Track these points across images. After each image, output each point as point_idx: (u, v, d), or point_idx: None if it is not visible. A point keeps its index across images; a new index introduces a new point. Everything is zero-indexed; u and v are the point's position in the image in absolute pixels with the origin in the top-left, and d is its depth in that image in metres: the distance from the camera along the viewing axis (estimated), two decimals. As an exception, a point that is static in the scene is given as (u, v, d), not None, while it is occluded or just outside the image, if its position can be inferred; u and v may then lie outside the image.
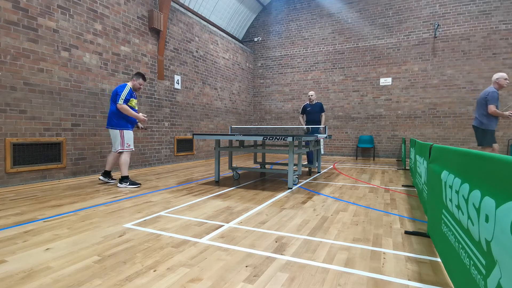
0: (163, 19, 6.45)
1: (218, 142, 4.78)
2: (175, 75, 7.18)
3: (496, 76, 4.60)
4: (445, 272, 1.75)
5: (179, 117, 7.36)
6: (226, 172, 5.95)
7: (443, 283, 1.62)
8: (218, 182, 4.77)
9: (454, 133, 8.40)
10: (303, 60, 10.31)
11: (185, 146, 7.61)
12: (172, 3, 7.05)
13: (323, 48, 10.00)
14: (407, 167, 6.93)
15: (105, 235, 2.30)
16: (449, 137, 8.46)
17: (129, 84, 4.31)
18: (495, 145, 4.58)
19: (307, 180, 5.10)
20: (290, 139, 3.91)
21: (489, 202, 0.95)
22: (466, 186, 1.21)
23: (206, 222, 2.68)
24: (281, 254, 1.98)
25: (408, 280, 1.65)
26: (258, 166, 6.93)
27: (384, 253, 2.02)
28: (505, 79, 4.54)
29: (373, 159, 9.08)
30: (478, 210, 1.04)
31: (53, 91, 4.55)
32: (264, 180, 5.11)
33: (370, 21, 9.34)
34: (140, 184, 4.37)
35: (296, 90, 10.46)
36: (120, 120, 4.25)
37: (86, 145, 5.04)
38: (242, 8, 10.15)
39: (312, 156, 6.30)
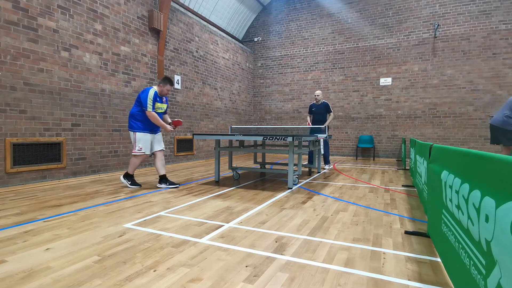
0: (163, 19, 6.45)
1: (218, 142, 4.78)
2: (175, 75, 7.18)
3: None
4: (445, 272, 1.75)
5: (179, 117, 7.36)
6: (226, 172, 5.95)
7: (443, 283, 1.62)
8: (218, 182, 4.77)
9: (454, 133, 8.40)
10: (303, 60, 10.31)
11: (185, 146, 7.61)
12: (172, 3, 7.05)
13: (323, 48, 10.00)
14: (407, 167, 6.93)
15: (105, 235, 2.30)
16: (449, 137, 8.46)
17: (155, 88, 4.14)
18: None
19: (307, 180, 5.10)
20: (290, 139, 3.91)
21: (489, 202, 0.95)
22: (466, 186, 1.21)
23: (206, 222, 2.68)
24: (281, 254, 1.98)
25: (408, 280, 1.65)
26: (258, 166, 6.92)
27: (384, 253, 2.02)
28: None
29: (373, 159, 9.08)
30: (478, 210, 1.04)
31: (53, 91, 4.55)
32: (264, 180, 5.11)
33: (370, 21, 9.34)
34: (140, 185, 4.33)
35: (296, 90, 10.46)
36: (135, 122, 4.12)
37: (86, 145, 5.04)
38: (242, 8, 10.15)
39: (328, 152, 6.51)
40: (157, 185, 4.35)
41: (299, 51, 10.37)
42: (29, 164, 4.24)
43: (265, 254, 1.98)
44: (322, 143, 6.27)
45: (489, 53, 8.00)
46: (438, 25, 8.37)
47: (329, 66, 9.92)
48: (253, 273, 1.71)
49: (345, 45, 9.68)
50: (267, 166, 6.80)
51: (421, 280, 1.65)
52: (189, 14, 7.73)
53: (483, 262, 1.00)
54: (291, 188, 4.30)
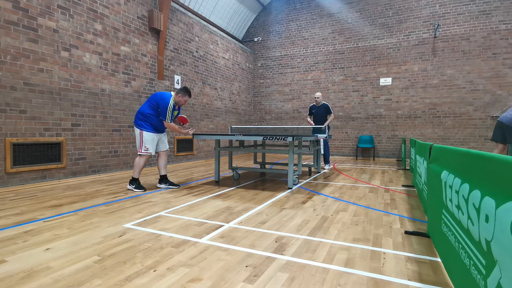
0: (163, 19, 6.45)
1: (218, 142, 4.78)
2: (175, 75, 7.18)
3: None
4: (445, 272, 1.75)
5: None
6: (226, 172, 5.95)
7: (443, 283, 1.62)
8: (218, 182, 4.77)
9: (454, 133, 8.40)
10: (303, 60, 10.31)
11: (185, 146, 7.61)
12: (172, 3, 7.05)
13: (323, 48, 10.00)
14: (407, 167, 6.93)
15: (105, 235, 2.30)
16: (449, 137, 8.46)
17: (173, 97, 4.04)
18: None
19: (307, 180, 5.10)
20: (290, 139, 3.91)
21: (489, 202, 0.95)
22: (466, 186, 1.21)
23: (206, 222, 2.68)
24: (281, 254, 1.98)
25: (408, 280, 1.65)
26: (258, 166, 6.92)
27: (384, 253, 2.02)
28: None
29: (373, 159, 9.08)
30: (478, 210, 1.04)
31: (53, 91, 4.55)
32: (264, 180, 5.11)
33: (370, 21, 9.34)
34: (145, 188, 4.14)
35: (296, 90, 10.46)
36: (146, 123, 4.01)
37: (86, 145, 5.04)
38: (242, 8, 10.15)
39: (328, 152, 6.63)
40: (157, 185, 4.35)
41: (299, 51, 10.37)
42: (29, 164, 4.24)
43: (265, 254, 1.98)
44: (322, 143, 6.27)
45: (489, 53, 8.00)
46: (438, 25, 8.37)
47: (329, 66, 9.92)
48: (253, 273, 1.71)
49: (345, 45, 9.68)
50: (267, 166, 6.80)
51: (421, 280, 1.65)
52: (189, 14, 7.73)
53: (483, 262, 1.00)
54: (291, 188, 4.30)
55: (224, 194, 3.92)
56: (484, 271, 0.99)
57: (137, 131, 4.04)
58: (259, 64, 11.09)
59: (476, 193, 1.07)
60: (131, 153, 5.90)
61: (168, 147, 4.38)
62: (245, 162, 8.24)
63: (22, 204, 3.24)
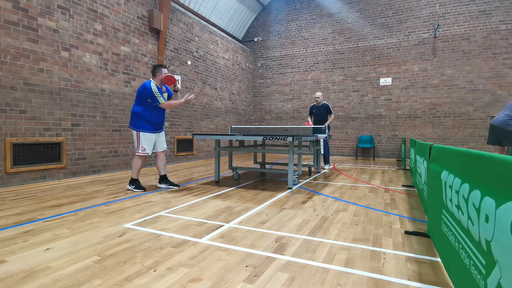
0: (163, 19, 6.45)
1: (218, 142, 4.78)
2: (175, 75, 7.18)
3: None
4: (445, 272, 1.75)
5: (179, 117, 7.36)
6: (226, 172, 5.95)
7: (443, 283, 1.62)
8: (218, 182, 4.77)
9: (454, 133, 8.40)
10: (303, 60, 10.31)
11: (185, 146, 7.61)
12: (172, 3, 7.05)
13: (323, 48, 10.00)
14: (407, 167, 6.93)
15: (105, 235, 2.30)
16: (449, 137, 8.46)
17: (153, 81, 3.96)
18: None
19: (307, 180, 5.10)
20: (290, 139, 3.91)
21: (489, 202, 0.95)
22: (466, 186, 1.21)
23: (206, 222, 2.68)
24: (281, 254, 1.98)
25: (408, 280, 1.65)
26: (258, 166, 6.92)
27: (384, 253, 2.02)
28: None
29: (373, 159, 9.08)
30: (478, 210, 1.04)
31: (53, 91, 4.55)
32: (264, 180, 5.11)
33: (370, 21, 9.34)
34: (145, 188, 4.13)
35: (296, 90, 10.46)
36: (139, 121, 3.95)
37: (86, 145, 5.04)
38: (242, 8, 10.15)
39: (328, 152, 6.67)
40: (157, 185, 4.34)
41: (299, 51, 10.37)
42: (29, 164, 4.24)
43: (265, 254, 1.98)
44: (322, 143, 6.27)
45: (489, 53, 8.00)
46: (438, 25, 8.37)
47: (329, 66, 9.92)
48: (253, 273, 1.71)
49: (345, 45, 9.68)
50: (267, 166, 6.80)
51: (421, 280, 1.65)
52: (189, 14, 7.73)
53: (483, 262, 1.00)
54: (291, 188, 4.30)
55: (224, 194, 3.92)
56: (484, 271, 0.99)
57: (134, 132, 4.02)
58: (259, 64, 11.09)
59: (476, 193, 1.07)
60: (131, 153, 5.90)
61: (166, 147, 4.34)
62: (245, 162, 8.24)
63: (22, 204, 3.24)
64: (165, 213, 2.98)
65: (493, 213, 0.90)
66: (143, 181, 4.83)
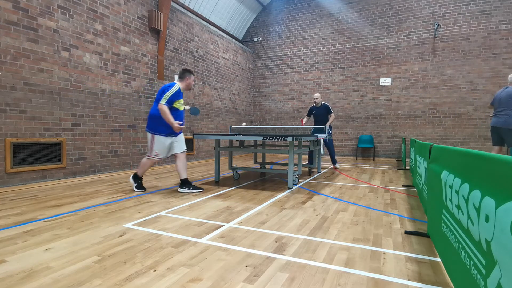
0: (163, 19, 6.45)
1: (218, 142, 4.78)
2: (175, 75, 7.17)
3: None
4: (445, 272, 1.75)
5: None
6: (226, 172, 5.95)
7: (443, 283, 1.62)
8: (218, 182, 4.77)
9: (454, 133, 8.40)
10: (303, 60, 10.31)
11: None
12: (172, 3, 7.05)
13: (323, 48, 10.00)
14: (407, 167, 6.93)
15: (105, 235, 2.30)
16: (449, 137, 8.46)
17: (178, 84, 3.80)
18: None
19: (307, 180, 5.10)
20: (290, 139, 3.91)
21: (489, 202, 0.95)
22: (466, 186, 1.21)
23: (206, 222, 2.68)
24: (281, 254, 1.98)
25: (408, 280, 1.65)
26: (258, 166, 6.92)
27: (384, 253, 2.02)
28: None
29: (373, 159, 9.08)
30: (478, 210, 1.04)
31: (53, 91, 4.55)
32: (264, 180, 5.11)
33: (370, 21, 9.34)
34: (145, 189, 4.04)
35: (296, 90, 10.46)
36: (157, 125, 3.75)
37: (86, 145, 5.04)
38: (242, 8, 10.15)
39: (333, 152, 6.71)
40: (178, 190, 4.00)
41: (299, 51, 10.37)
42: (29, 164, 4.24)
43: (265, 254, 1.98)
44: (322, 143, 6.27)
45: (489, 53, 8.00)
46: (438, 25, 8.37)
47: (329, 66, 9.92)
48: (253, 273, 1.71)
49: (345, 45, 9.68)
50: (267, 166, 6.80)
51: (421, 280, 1.65)
52: (189, 14, 7.73)
53: (483, 262, 1.00)
54: (291, 188, 4.30)
55: (224, 194, 3.92)
56: (484, 271, 0.99)
57: (149, 135, 3.84)
58: (259, 64, 11.09)
59: (476, 193, 1.07)
60: (131, 153, 5.90)
61: (185, 147, 4.03)
62: (245, 162, 8.24)
63: (22, 204, 3.24)
64: (165, 213, 2.98)
65: (493, 213, 0.90)
66: (143, 180, 4.82)
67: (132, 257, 1.91)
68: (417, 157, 3.77)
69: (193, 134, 4.66)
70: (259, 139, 4.03)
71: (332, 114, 6.56)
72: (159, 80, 6.65)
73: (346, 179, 5.29)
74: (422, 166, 3.11)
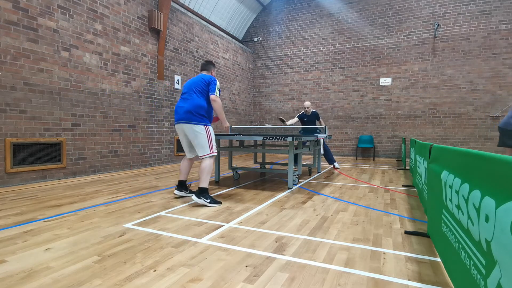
0: (163, 19, 6.45)
1: (218, 142, 4.77)
2: (175, 75, 7.18)
3: None
4: (445, 272, 1.75)
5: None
6: (226, 172, 5.95)
7: (443, 283, 1.62)
8: (218, 182, 4.77)
9: (454, 133, 8.40)
10: (303, 60, 10.31)
11: (185, 146, 7.60)
12: (172, 3, 7.05)
13: (323, 48, 10.00)
14: (407, 167, 6.93)
15: (105, 235, 2.30)
16: (449, 137, 8.46)
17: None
18: None
19: (307, 180, 5.10)
20: (290, 139, 3.91)
21: (489, 202, 0.95)
22: (466, 186, 1.21)
23: (206, 222, 2.68)
24: (281, 254, 1.98)
25: (408, 280, 1.65)
26: (258, 166, 6.92)
27: (384, 253, 2.02)
28: None
29: (373, 159, 9.08)
30: (478, 210, 1.04)
31: (53, 91, 4.55)
32: (264, 180, 5.11)
33: (370, 21, 9.34)
34: (221, 202, 3.36)
35: (296, 90, 10.46)
36: (205, 116, 3.31)
37: (86, 145, 5.04)
38: (242, 8, 10.15)
39: (330, 154, 6.67)
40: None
41: (299, 51, 10.37)
42: (29, 164, 4.24)
43: (265, 254, 1.98)
44: (322, 143, 6.27)
45: (489, 53, 8.00)
46: (438, 25, 8.37)
47: (329, 66, 9.92)
48: (253, 273, 1.71)
49: (345, 45, 9.68)
50: (267, 166, 6.80)
51: (421, 280, 1.65)
52: (189, 14, 7.73)
53: (483, 262, 1.00)
54: (291, 188, 4.30)
55: (224, 194, 3.92)
56: (484, 271, 0.99)
57: (199, 127, 3.25)
58: (259, 64, 11.09)
59: (476, 193, 1.07)
60: (131, 153, 5.90)
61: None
62: (245, 162, 8.24)
63: (22, 204, 3.24)
64: (165, 213, 2.97)
65: (493, 213, 0.90)
66: (143, 180, 4.82)
67: (132, 257, 1.91)
68: (417, 157, 3.77)
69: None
70: (259, 139, 4.03)
71: (321, 120, 6.66)
72: (159, 80, 6.65)
73: (346, 179, 5.29)
74: (422, 166, 3.11)
